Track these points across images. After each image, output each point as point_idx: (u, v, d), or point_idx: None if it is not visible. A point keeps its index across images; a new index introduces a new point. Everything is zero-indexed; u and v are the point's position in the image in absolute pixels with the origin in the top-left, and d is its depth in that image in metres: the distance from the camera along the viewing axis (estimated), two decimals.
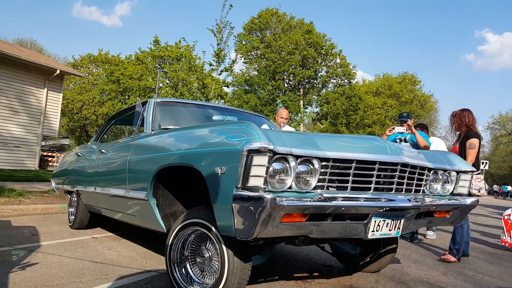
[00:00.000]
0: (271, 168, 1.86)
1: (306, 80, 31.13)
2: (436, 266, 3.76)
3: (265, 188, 1.83)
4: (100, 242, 4.01)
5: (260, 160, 1.80)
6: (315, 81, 31.60)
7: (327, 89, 32.42)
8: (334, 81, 31.97)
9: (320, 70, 31.02)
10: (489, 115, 62.71)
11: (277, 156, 1.86)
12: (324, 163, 2.01)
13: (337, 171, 2.08)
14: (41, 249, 3.51)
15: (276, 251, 3.98)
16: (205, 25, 25.71)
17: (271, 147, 1.79)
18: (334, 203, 1.94)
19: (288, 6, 68.56)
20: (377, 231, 2.23)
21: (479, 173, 4.28)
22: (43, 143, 15.84)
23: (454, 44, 76.59)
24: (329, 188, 2.09)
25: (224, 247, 2.13)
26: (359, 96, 31.06)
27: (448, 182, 2.79)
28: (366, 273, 3.30)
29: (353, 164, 2.10)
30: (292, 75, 30.05)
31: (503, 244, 4.86)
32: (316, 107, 33.30)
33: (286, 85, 31.13)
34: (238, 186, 1.84)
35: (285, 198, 1.81)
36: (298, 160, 1.94)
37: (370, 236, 2.21)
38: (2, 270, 2.77)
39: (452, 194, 2.81)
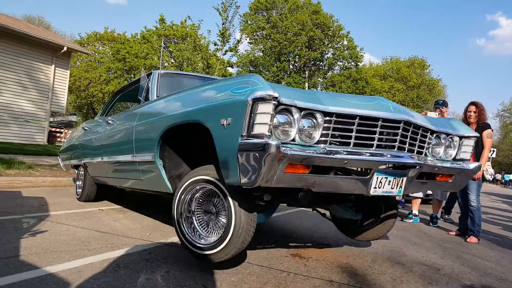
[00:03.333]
0: (275, 119, 1.91)
1: (312, 62, 30.87)
2: (434, 249, 3.79)
3: (270, 135, 1.87)
4: (106, 214, 4.14)
5: (265, 108, 1.85)
6: (321, 63, 31.33)
7: (333, 71, 32.14)
8: (341, 63, 31.67)
9: (326, 52, 30.70)
10: (499, 102, 61.94)
11: (281, 107, 1.91)
12: (327, 117, 2.06)
13: (340, 126, 2.11)
14: (50, 218, 3.64)
15: (275, 229, 4.08)
16: (211, 3, 25.36)
17: (276, 94, 1.84)
18: (337, 156, 1.98)
19: None
20: (379, 187, 2.25)
21: (488, 160, 4.59)
22: (52, 119, 15.96)
23: (465, 28, 74.81)
24: (332, 144, 2.13)
25: (231, 201, 2.22)
26: (365, 80, 30.77)
27: (451, 147, 2.81)
28: (364, 252, 3.37)
29: (356, 120, 2.13)
30: (297, 56, 29.78)
31: None
32: (321, 90, 33.08)
33: (291, 66, 30.90)
34: (243, 134, 1.88)
35: (289, 148, 1.85)
36: (302, 113, 1.99)
37: (372, 192, 2.23)
38: (14, 236, 2.89)
39: (454, 159, 2.82)
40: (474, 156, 4.40)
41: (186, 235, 2.50)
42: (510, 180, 45.56)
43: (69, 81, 16.75)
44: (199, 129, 2.33)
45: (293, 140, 2.00)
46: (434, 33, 74.71)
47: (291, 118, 1.97)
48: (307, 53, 29.15)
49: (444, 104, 5.06)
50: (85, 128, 4.92)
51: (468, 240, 4.38)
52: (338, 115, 2.08)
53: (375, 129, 2.20)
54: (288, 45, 28.68)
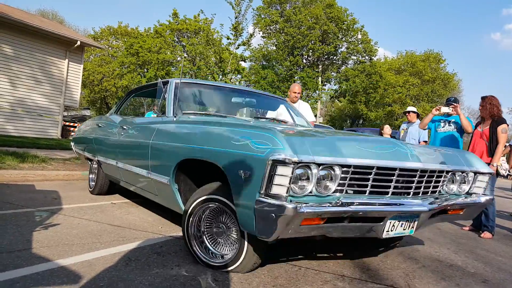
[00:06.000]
0: (293, 175, 1.90)
1: (326, 56, 30.57)
2: (448, 244, 3.76)
3: (287, 196, 1.88)
4: (119, 208, 4.16)
5: (284, 171, 1.85)
6: (334, 57, 30.99)
7: (347, 66, 31.79)
8: (355, 57, 31.24)
9: (340, 46, 30.33)
10: None
11: (300, 164, 1.89)
12: (345, 169, 2.04)
13: (357, 176, 2.11)
14: (62, 212, 3.67)
15: None
16: None
17: (295, 158, 1.83)
18: (351, 208, 1.99)
19: None
20: (391, 231, 2.29)
21: (503, 156, 4.48)
22: (65, 114, 16.14)
23: (481, 21, 72.57)
24: (348, 192, 2.12)
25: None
26: (379, 74, 30.40)
27: (465, 183, 2.81)
28: (376, 247, 3.34)
29: (373, 170, 2.12)
30: (311, 51, 29.51)
31: None
32: (334, 84, 32.80)
33: (304, 61, 30.66)
34: (261, 192, 1.89)
35: (305, 205, 1.86)
36: (320, 167, 1.97)
37: (384, 235, 2.26)
38: (26, 229, 2.92)
39: (467, 193, 2.82)
40: (488, 151, 4.39)
41: (201, 257, 2.50)
42: None
43: (83, 75, 16.93)
44: (214, 165, 2.33)
45: (310, 192, 1.98)
46: (450, 27, 72.76)
47: (309, 172, 1.95)
48: (321, 47, 28.84)
49: (456, 101, 5.11)
50: (100, 125, 4.93)
51: (482, 235, 4.35)
52: (356, 166, 2.06)
53: (392, 178, 2.22)
54: (302, 39, 28.42)
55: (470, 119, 5.14)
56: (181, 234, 3.18)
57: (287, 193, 1.88)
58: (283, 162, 1.83)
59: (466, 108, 41.34)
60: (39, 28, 13.00)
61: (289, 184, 1.87)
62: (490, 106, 4.48)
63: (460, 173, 2.73)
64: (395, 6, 69.99)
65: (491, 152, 4.33)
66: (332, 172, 2.03)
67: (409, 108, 6.86)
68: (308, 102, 13.83)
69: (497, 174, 4.34)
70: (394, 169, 2.19)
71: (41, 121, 13.92)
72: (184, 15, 27.76)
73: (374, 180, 2.15)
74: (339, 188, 2.06)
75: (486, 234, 4.33)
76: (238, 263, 2.31)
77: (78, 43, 14.15)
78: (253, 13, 29.34)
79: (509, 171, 4.60)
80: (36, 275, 2.07)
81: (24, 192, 4.53)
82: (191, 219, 2.55)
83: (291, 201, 1.86)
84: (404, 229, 2.35)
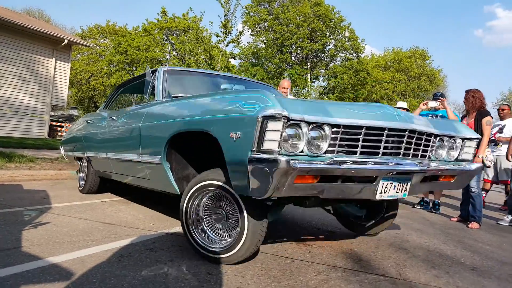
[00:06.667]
0: (284, 133, 1.93)
1: (314, 54, 30.68)
2: (437, 234, 3.81)
3: (279, 151, 1.91)
4: (109, 205, 4.13)
5: (274, 126, 1.88)
6: (323, 54, 31.13)
7: (335, 63, 31.94)
8: (342, 55, 31.41)
9: (328, 43, 30.48)
10: (498, 92, 61.29)
11: (290, 122, 1.93)
12: (335, 129, 2.09)
13: (347, 136, 2.15)
14: (52, 210, 3.63)
15: (279, 217, 4.07)
16: None
17: (285, 113, 1.87)
18: (344, 166, 2.03)
19: None
20: (384, 192, 2.33)
21: (488, 147, 4.68)
22: (52, 113, 15.96)
23: (463, 19, 73.12)
24: (339, 153, 2.16)
25: (242, 206, 2.25)
26: (367, 71, 30.61)
27: (453, 149, 2.87)
28: (367, 238, 3.38)
29: (363, 130, 2.16)
30: (299, 48, 29.60)
31: None
32: (323, 81, 32.92)
33: (293, 58, 30.73)
34: (253, 149, 1.91)
35: (297, 161, 1.88)
36: (310, 126, 2.01)
37: (378, 197, 2.30)
38: (15, 228, 2.89)
39: (456, 159, 2.88)
40: None
41: (198, 241, 2.50)
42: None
43: (70, 74, 16.73)
44: (206, 136, 2.34)
45: (302, 151, 2.02)
46: (435, 24, 73.23)
47: (300, 131, 1.99)
48: (309, 45, 28.94)
49: (442, 95, 5.29)
50: (88, 121, 4.89)
51: (469, 225, 4.44)
52: (346, 126, 2.11)
53: (381, 138, 2.25)
54: (290, 37, 28.49)
55: (457, 113, 5.27)
56: (174, 230, 3.18)
57: (278, 147, 1.91)
58: (273, 118, 1.86)
59: (451, 103, 41.81)
60: (26, 27, 12.82)
61: (280, 138, 1.90)
62: (473, 99, 4.60)
63: (448, 138, 2.79)
64: (381, 4, 70.53)
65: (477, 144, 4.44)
66: (323, 132, 2.08)
67: (399, 104, 6.93)
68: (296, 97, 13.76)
69: (483, 165, 4.43)
70: (383, 129, 2.23)
71: (27, 121, 13.74)
72: (173, 14, 27.62)
73: (364, 140, 2.20)
74: (330, 149, 2.11)
75: (474, 224, 4.42)
76: (236, 249, 2.30)
77: (66, 41, 14.00)
78: (242, 11, 29.42)
79: (494, 162, 4.74)
80: (27, 273, 2.04)
81: (12, 192, 4.48)
82: (190, 203, 2.54)
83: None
84: (397, 192, 2.40)
